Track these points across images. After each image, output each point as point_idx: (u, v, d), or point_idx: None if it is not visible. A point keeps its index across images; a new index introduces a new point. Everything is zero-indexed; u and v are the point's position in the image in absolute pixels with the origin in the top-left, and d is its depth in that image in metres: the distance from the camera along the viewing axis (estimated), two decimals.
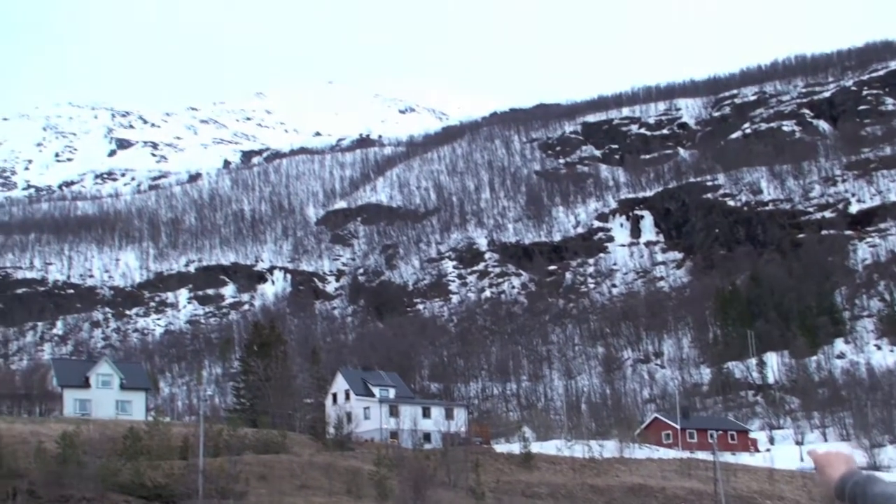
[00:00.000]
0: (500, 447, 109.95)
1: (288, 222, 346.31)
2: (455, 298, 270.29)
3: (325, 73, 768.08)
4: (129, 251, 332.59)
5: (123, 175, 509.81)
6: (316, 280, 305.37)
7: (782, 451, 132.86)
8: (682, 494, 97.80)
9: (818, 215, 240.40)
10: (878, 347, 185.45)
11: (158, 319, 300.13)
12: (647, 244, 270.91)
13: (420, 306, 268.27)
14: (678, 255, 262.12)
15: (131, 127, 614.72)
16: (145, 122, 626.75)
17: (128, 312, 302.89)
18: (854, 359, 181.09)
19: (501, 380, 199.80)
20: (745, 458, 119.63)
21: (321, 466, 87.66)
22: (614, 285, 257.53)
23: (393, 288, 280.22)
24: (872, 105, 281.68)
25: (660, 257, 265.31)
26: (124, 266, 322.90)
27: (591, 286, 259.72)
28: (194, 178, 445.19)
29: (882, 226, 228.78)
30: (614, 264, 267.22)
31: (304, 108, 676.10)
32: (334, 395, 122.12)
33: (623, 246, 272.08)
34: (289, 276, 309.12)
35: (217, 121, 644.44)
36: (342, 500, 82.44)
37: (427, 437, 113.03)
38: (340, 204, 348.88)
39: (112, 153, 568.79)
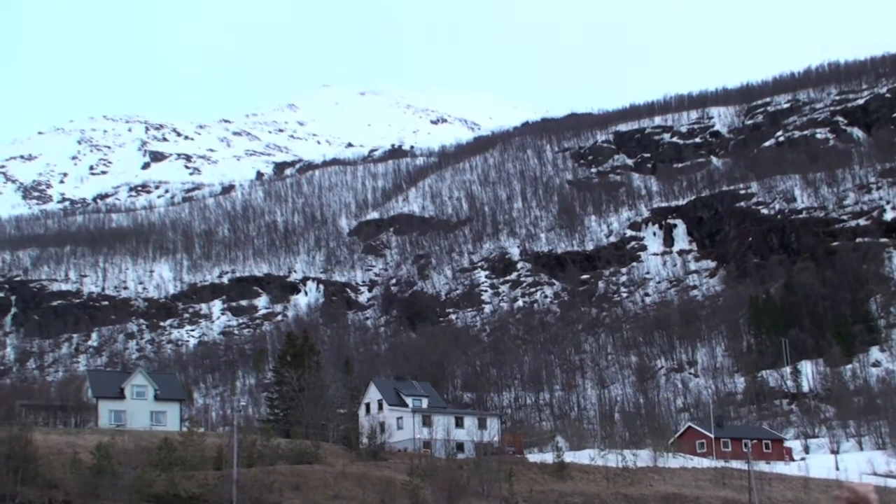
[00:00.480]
0: (533, 457, 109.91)
1: (321, 233, 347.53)
2: (487, 308, 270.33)
3: (357, 84, 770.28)
4: (163, 263, 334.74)
5: (157, 187, 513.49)
6: (348, 290, 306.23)
7: (817, 459, 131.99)
8: (716, 503, 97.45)
9: (852, 223, 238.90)
10: None
11: (192, 330, 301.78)
12: (680, 253, 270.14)
13: (452, 316, 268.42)
14: (711, 264, 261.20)
15: (165, 140, 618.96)
16: (179, 134, 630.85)
17: (162, 324, 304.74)
18: (890, 367, 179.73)
19: (534, 389, 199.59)
20: (779, 467, 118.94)
21: (354, 476, 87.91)
22: (647, 294, 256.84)
23: (425, 298, 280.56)
24: None
25: (693, 266, 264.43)
26: (158, 278, 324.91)
27: (624, 295, 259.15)
28: (227, 189, 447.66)
29: None
30: (647, 273, 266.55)
31: (336, 120, 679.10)
32: (367, 406, 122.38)
33: (656, 255, 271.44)
34: (321, 286, 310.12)
35: (250, 133, 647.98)
36: None
37: (460, 446, 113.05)
38: (373, 215, 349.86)
39: (146, 166, 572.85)
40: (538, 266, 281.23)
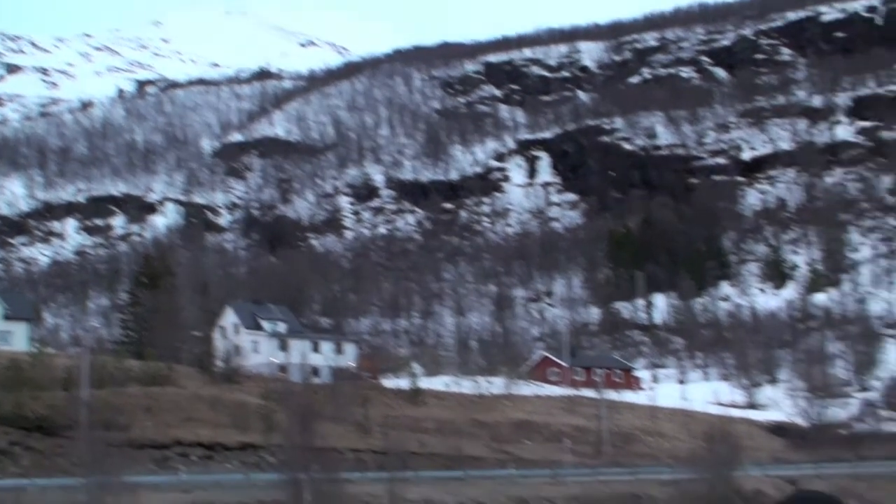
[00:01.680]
0: (389, 383, 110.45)
1: (182, 154, 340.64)
2: (349, 234, 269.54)
3: (223, 3, 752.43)
4: (14, 179, 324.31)
5: (11, 101, 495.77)
6: (209, 213, 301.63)
7: (665, 389, 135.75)
8: (567, 430, 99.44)
9: (711, 161, 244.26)
10: (762, 291, 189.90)
11: (45, 249, 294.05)
12: (544, 185, 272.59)
13: (314, 241, 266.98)
14: (573, 197, 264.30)
15: (21, 52, 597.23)
16: (36, 47, 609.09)
17: (12, 242, 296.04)
18: (738, 301, 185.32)
19: (393, 316, 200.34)
20: (628, 396, 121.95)
21: (207, 399, 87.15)
22: (509, 225, 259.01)
23: (287, 222, 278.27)
24: (769, 55, 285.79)
25: (555, 198, 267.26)
26: (10, 194, 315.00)
27: (486, 225, 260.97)
28: (86, 106, 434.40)
29: (772, 173, 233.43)
30: (510, 204, 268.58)
31: (201, 39, 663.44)
32: (223, 329, 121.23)
33: (519, 186, 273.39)
34: (181, 208, 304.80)
35: (112, 48, 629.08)
36: (228, 433, 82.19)
37: (316, 371, 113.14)
38: (236, 137, 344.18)
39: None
40: (402, 194, 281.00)
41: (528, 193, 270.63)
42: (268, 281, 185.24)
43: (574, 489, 78.31)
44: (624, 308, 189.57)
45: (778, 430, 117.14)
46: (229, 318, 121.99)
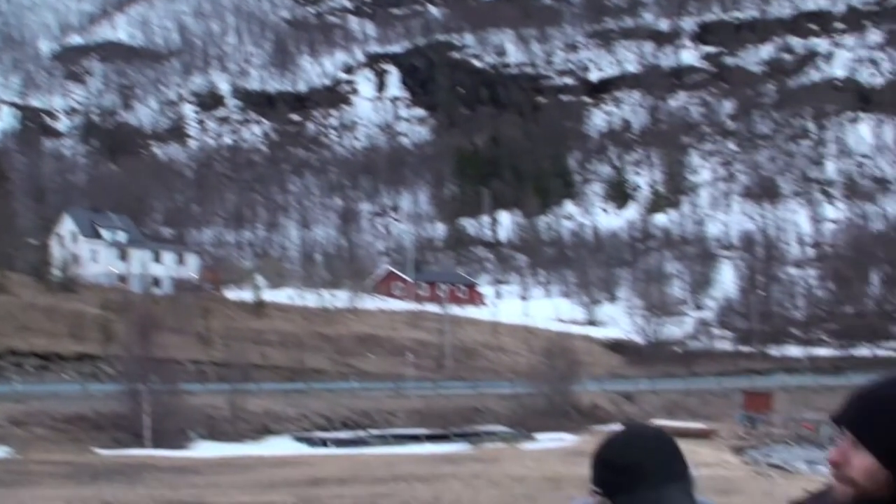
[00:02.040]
0: (232, 294, 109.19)
1: (18, 55, 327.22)
2: (193, 143, 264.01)
3: None
4: None
5: None
6: (46, 117, 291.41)
7: (508, 305, 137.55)
8: (410, 344, 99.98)
9: (558, 81, 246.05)
10: (605, 211, 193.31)
11: None
12: (392, 100, 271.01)
13: (156, 150, 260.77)
14: (422, 113, 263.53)
15: None
16: None
17: None
18: (581, 220, 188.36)
19: (237, 228, 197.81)
20: (472, 312, 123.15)
21: (43, 308, 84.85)
22: (356, 139, 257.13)
23: (128, 130, 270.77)
24: None
25: (404, 113, 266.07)
26: None
27: (334, 138, 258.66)
28: None
29: (617, 95, 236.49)
30: (358, 118, 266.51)
31: None
32: (60, 237, 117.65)
33: (367, 100, 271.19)
34: (16, 111, 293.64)
35: None
36: (65, 343, 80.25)
37: (157, 282, 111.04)
38: (76, 39, 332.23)
39: None
40: (248, 104, 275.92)
41: (376, 107, 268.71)
42: (108, 189, 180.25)
43: (416, 403, 78.97)
44: (469, 224, 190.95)
45: (616, 346, 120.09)
46: (67, 225, 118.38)
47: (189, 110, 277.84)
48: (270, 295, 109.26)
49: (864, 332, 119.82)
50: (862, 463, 2.39)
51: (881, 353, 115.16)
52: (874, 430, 2.36)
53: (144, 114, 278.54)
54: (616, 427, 2.81)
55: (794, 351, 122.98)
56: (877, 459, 2.36)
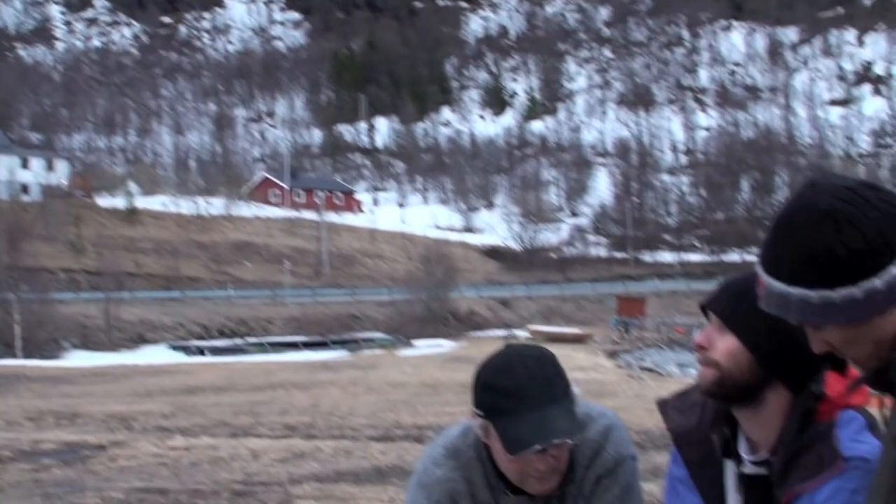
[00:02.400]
0: (104, 201, 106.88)
1: None
2: (61, 46, 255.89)
3: None
4: None
5: None
6: None
7: (385, 212, 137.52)
8: (287, 252, 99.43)
9: None
10: (482, 118, 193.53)
11: None
12: (266, 2, 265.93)
13: (21, 52, 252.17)
14: (297, 16, 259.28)
15: None
16: None
17: None
18: (458, 127, 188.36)
19: (108, 133, 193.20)
20: (349, 219, 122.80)
21: None
22: (230, 42, 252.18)
23: None
24: None
25: (278, 17, 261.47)
26: None
27: (207, 42, 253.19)
28: None
29: (495, 0, 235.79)
30: (231, 21, 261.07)
31: None
32: None
33: (241, 2, 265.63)
34: None
35: None
36: None
37: (25, 189, 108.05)
38: None
39: None
40: (117, 5, 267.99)
41: (250, 10, 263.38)
42: None
43: (294, 310, 78.80)
44: (346, 131, 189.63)
45: (492, 253, 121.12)
46: None
47: (55, 11, 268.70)
48: (143, 202, 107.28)
49: (735, 239, 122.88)
50: (726, 345, 2.44)
51: (750, 258, 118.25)
52: (738, 312, 2.41)
53: (7, 14, 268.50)
54: (497, 348, 2.74)
55: (666, 257, 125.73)
56: (740, 341, 2.41)
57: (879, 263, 1.88)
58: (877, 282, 1.89)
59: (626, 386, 30.98)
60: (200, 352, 60.96)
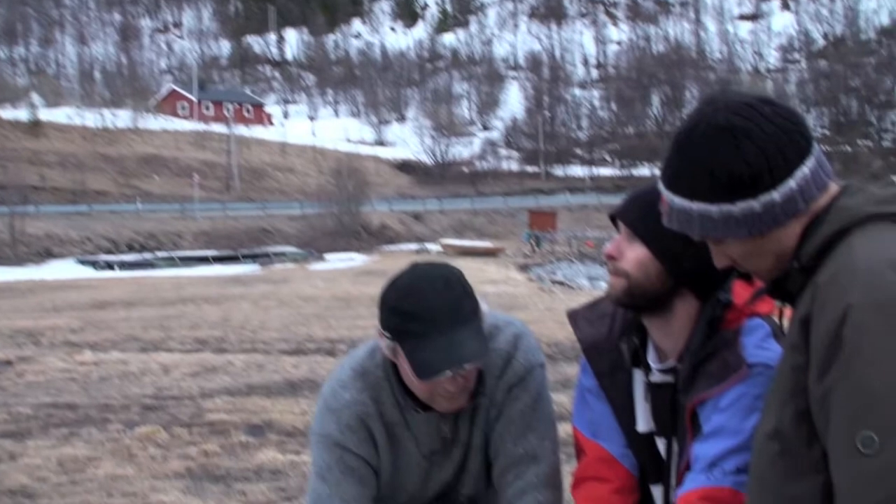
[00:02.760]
0: (6, 114, 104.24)
1: None
2: None
3: None
4: None
5: None
6: None
7: (295, 125, 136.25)
8: (196, 165, 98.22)
9: None
10: (393, 30, 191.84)
11: None
12: None
13: None
14: None
15: None
16: None
17: None
18: (369, 39, 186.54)
19: (9, 43, 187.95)
20: (259, 132, 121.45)
21: None
22: None
23: None
24: None
25: None
26: None
27: None
28: None
29: None
30: None
31: None
32: None
33: None
34: None
35: None
36: None
37: None
38: None
39: None
40: None
41: None
42: None
43: (204, 224, 78.06)
44: (255, 42, 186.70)
45: (404, 166, 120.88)
46: None
47: None
48: (47, 114, 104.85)
49: (645, 153, 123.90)
50: (635, 254, 2.45)
51: (659, 172, 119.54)
52: (646, 222, 2.42)
53: None
54: (403, 268, 2.71)
55: (577, 171, 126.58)
56: (649, 251, 2.42)
57: (778, 177, 1.91)
58: (775, 195, 1.92)
59: (537, 299, 31.25)
60: (109, 266, 60.16)
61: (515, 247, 72.79)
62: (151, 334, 21.00)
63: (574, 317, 2.78)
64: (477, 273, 40.89)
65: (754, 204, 1.93)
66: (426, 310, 2.56)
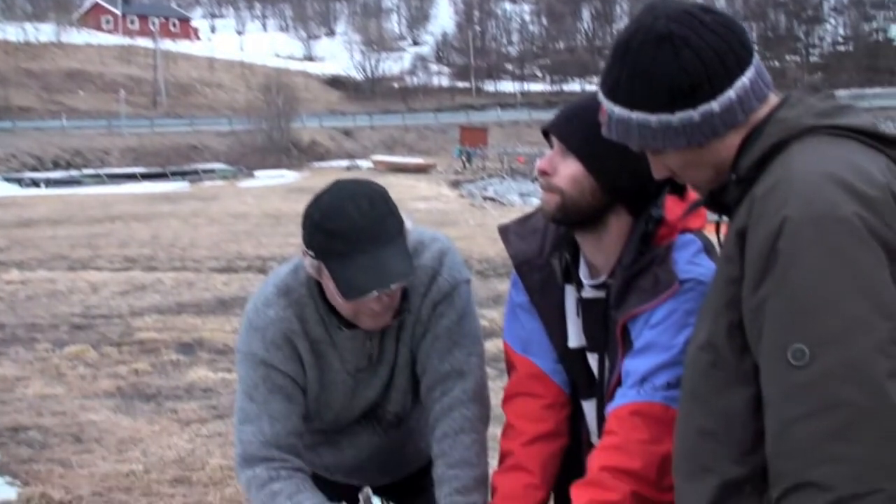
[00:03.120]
0: None
1: None
2: None
3: None
4: None
5: None
6: None
7: (223, 40, 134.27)
8: (122, 81, 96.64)
9: None
10: None
11: None
12: None
13: None
14: None
15: None
16: None
17: None
18: None
19: None
20: (186, 47, 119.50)
21: None
22: None
23: None
24: None
25: None
26: None
27: None
28: None
29: None
30: None
31: None
32: None
33: None
34: None
35: None
36: None
37: None
38: None
39: None
40: None
41: None
42: None
43: (131, 141, 76.98)
44: None
45: (334, 82, 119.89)
46: None
47: None
48: None
49: (576, 68, 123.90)
50: (569, 170, 2.42)
51: (590, 87, 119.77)
52: (581, 136, 2.38)
53: None
54: (327, 185, 2.69)
55: (508, 86, 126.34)
56: (583, 166, 2.39)
57: (717, 87, 1.91)
58: (714, 105, 1.91)
59: (468, 215, 31.36)
60: (35, 184, 59.19)
61: (447, 163, 72.75)
62: (79, 252, 20.80)
63: (505, 232, 2.75)
64: (408, 190, 40.85)
65: (693, 114, 1.92)
66: (350, 229, 2.53)
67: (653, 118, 1.95)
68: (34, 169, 67.01)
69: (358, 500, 2.72)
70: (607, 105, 2.03)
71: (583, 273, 2.57)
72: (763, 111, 1.95)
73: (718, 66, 1.91)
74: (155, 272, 17.22)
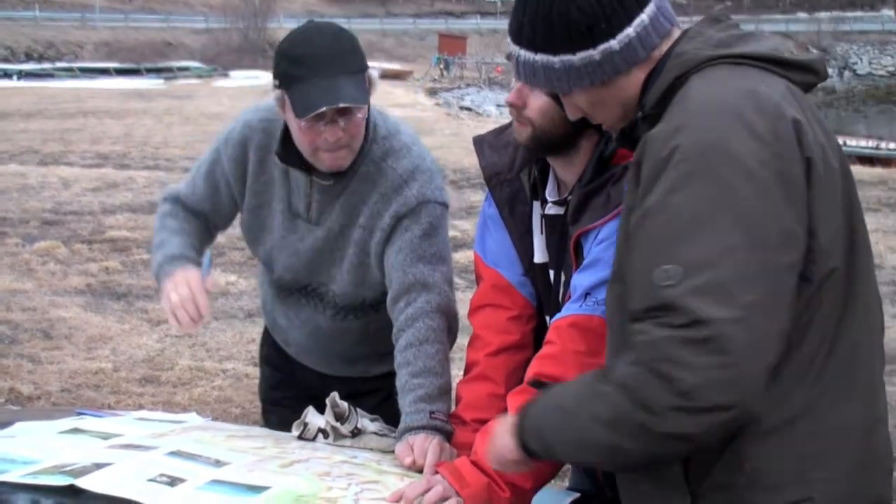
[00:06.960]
0: None
1: None
2: None
3: None
4: None
5: None
6: None
7: None
8: None
9: None
10: None
11: None
12: None
13: None
14: None
15: None
16: None
17: None
18: None
19: None
20: None
21: None
22: None
23: None
24: None
25: None
26: None
27: None
28: None
29: None
30: None
31: None
32: None
33: None
34: None
35: None
36: None
37: None
38: None
39: None
40: None
41: None
42: None
43: (105, 34, 75.97)
44: None
45: None
46: None
47: None
48: None
49: None
50: (537, 101, 2.43)
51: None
52: None
53: None
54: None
55: None
56: (551, 97, 2.38)
57: (616, 25, 1.92)
58: (613, 43, 1.92)
59: (444, 124, 31.23)
60: (7, 75, 58.44)
61: (424, 70, 72.20)
62: (51, 147, 20.65)
63: (480, 143, 2.76)
64: (384, 96, 40.51)
65: (593, 53, 1.93)
66: (312, 55, 2.69)
67: (556, 59, 1.96)
68: (6, 60, 66.11)
69: (325, 404, 2.78)
70: (513, 48, 2.04)
71: (549, 190, 2.60)
72: (665, 46, 1.96)
73: (616, 5, 1.91)
74: (127, 170, 17.13)
